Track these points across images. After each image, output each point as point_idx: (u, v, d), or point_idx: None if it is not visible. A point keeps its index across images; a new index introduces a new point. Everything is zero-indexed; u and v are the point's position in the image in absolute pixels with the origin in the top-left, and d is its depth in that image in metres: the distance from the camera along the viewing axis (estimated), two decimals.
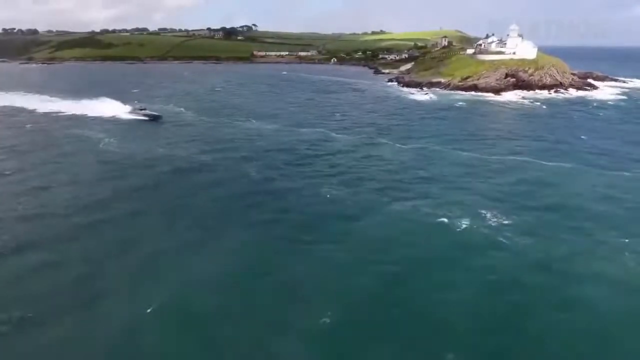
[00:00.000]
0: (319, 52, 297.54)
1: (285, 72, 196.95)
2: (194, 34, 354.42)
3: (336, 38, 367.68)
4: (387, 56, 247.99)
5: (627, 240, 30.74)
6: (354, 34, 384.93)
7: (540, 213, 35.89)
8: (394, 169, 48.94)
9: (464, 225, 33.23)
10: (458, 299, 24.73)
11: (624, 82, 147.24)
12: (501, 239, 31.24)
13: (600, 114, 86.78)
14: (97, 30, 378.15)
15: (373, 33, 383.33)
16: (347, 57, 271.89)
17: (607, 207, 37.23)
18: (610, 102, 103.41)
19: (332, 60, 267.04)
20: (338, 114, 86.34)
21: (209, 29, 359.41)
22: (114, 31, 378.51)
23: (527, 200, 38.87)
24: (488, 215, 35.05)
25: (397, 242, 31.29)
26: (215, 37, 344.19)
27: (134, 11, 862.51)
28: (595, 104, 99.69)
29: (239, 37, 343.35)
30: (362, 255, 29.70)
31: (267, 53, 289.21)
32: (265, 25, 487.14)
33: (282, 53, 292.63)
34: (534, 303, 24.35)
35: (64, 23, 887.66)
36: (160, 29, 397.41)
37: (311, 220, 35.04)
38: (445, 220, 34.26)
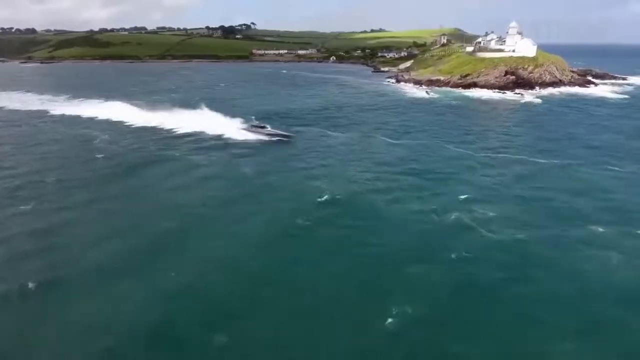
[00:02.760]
0: (318, 50, 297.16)
1: (284, 71, 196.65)
2: (192, 33, 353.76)
3: (335, 36, 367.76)
4: (386, 54, 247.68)
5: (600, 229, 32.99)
6: (353, 32, 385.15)
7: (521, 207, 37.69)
8: (390, 161, 50.84)
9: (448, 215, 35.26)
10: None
11: (623, 79, 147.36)
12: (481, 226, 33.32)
13: (597, 111, 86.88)
14: (96, 29, 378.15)
15: (372, 31, 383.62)
16: (346, 55, 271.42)
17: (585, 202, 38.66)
18: (608, 100, 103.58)
19: (332, 58, 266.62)
20: (337, 111, 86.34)
21: (207, 27, 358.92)
22: (112, 30, 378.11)
23: (510, 193, 40.69)
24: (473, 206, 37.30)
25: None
26: (214, 35, 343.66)
27: (132, 10, 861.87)
28: (593, 102, 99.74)
29: (237, 36, 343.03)
30: None
31: (266, 52, 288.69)
32: (264, 23, 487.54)
33: (280, 51, 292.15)
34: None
35: (62, 22, 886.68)
36: (158, 28, 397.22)
37: None
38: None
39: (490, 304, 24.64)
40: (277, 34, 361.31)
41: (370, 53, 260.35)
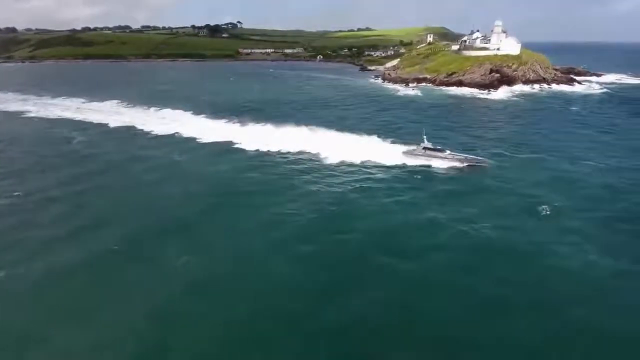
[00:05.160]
0: (305, 49, 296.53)
1: (272, 70, 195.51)
2: (178, 32, 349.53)
3: (322, 35, 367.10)
4: (372, 53, 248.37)
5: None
6: (340, 31, 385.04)
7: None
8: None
9: None
10: None
11: (603, 76, 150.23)
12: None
13: (578, 108, 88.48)
14: (78, 28, 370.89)
15: (359, 30, 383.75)
16: (333, 54, 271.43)
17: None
18: (588, 97, 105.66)
19: (318, 57, 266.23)
20: (328, 111, 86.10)
21: (193, 26, 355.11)
22: (95, 29, 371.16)
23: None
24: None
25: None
26: (200, 34, 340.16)
27: (116, 9, 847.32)
28: (575, 99, 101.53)
29: (223, 35, 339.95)
30: None
31: (253, 50, 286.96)
32: (250, 22, 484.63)
33: (267, 50, 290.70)
34: None
35: (44, 21, 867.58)
36: (143, 27, 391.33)
37: None
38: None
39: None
40: (264, 33, 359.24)
41: (357, 52, 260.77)
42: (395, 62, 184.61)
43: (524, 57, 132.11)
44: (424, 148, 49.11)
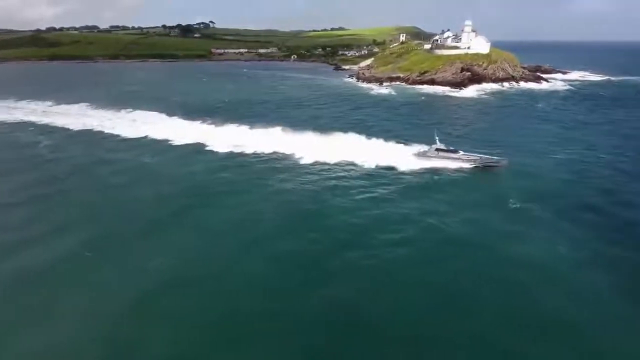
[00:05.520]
0: (279, 49, 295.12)
1: (245, 70, 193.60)
2: (148, 32, 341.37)
3: (296, 35, 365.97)
4: (346, 52, 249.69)
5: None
6: (313, 30, 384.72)
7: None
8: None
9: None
10: None
11: (568, 73, 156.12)
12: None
13: (544, 104, 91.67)
14: (43, 28, 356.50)
15: (332, 30, 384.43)
16: (307, 53, 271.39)
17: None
18: (554, 93, 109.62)
19: (293, 57, 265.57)
20: (302, 110, 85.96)
21: (164, 26, 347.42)
22: (61, 29, 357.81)
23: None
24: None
25: None
26: (171, 34, 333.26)
27: (82, 9, 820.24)
28: (541, 96, 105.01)
29: (196, 35, 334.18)
30: None
31: (226, 50, 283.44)
32: (223, 22, 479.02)
33: (241, 50, 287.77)
34: None
35: (5, 21, 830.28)
36: (111, 27, 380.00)
37: None
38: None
39: None
40: (237, 33, 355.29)
41: (331, 51, 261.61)
42: (369, 61, 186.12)
43: (494, 56, 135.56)
44: (437, 149, 47.78)
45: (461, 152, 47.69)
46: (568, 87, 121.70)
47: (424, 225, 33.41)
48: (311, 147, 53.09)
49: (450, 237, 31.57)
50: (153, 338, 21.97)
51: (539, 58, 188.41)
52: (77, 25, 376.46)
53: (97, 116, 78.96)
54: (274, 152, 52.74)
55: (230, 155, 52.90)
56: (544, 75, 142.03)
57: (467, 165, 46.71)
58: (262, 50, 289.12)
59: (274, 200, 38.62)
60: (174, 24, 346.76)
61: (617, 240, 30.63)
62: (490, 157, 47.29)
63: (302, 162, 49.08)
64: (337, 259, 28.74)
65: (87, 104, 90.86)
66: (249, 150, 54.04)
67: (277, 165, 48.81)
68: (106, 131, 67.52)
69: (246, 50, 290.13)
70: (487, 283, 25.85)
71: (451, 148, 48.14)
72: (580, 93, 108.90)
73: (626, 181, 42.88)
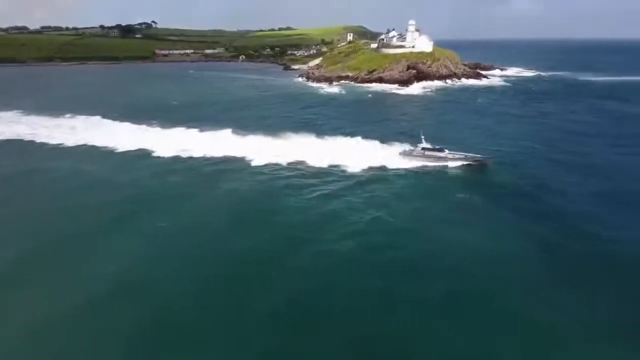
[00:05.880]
0: (226, 49, 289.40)
1: (192, 71, 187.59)
2: (84, 33, 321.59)
3: (243, 35, 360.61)
4: (295, 52, 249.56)
5: None
6: (261, 30, 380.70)
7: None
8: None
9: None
10: None
11: (505, 70, 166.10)
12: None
13: (483, 99, 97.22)
14: None
15: (280, 30, 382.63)
16: (256, 54, 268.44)
17: None
18: (493, 89, 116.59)
19: (241, 57, 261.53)
20: (251, 111, 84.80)
21: (102, 26, 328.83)
22: None
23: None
24: None
25: None
26: (110, 35, 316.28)
27: (10, 8, 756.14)
28: (480, 91, 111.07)
29: (137, 35, 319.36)
30: None
31: (171, 51, 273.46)
32: (166, 22, 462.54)
33: (187, 51, 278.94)
34: None
35: None
36: (43, 27, 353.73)
37: None
38: None
39: None
40: (181, 33, 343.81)
41: (280, 51, 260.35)
42: (318, 60, 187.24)
43: (437, 54, 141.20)
44: (423, 148, 47.37)
45: (447, 151, 47.40)
46: (505, 82, 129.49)
47: (368, 219, 34.30)
48: (263, 149, 52.46)
49: (391, 226, 32.60)
50: (87, 345, 21.20)
51: (478, 56, 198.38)
52: (4, 26, 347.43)
53: (32, 123, 72.89)
54: (225, 156, 51.38)
55: (178, 160, 51.07)
56: (484, 72, 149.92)
57: (453, 164, 46.58)
58: (208, 51, 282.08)
59: (224, 203, 37.91)
60: (113, 24, 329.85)
61: (552, 227, 32.84)
62: (475, 155, 47.24)
63: (254, 164, 48.30)
64: (291, 256, 28.80)
65: (20, 111, 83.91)
66: (197, 153, 52.40)
67: (227, 168, 47.79)
68: (41, 140, 62.49)
69: (192, 51, 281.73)
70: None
71: (437, 147, 47.66)
72: (515, 88, 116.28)
73: (559, 171, 45.92)
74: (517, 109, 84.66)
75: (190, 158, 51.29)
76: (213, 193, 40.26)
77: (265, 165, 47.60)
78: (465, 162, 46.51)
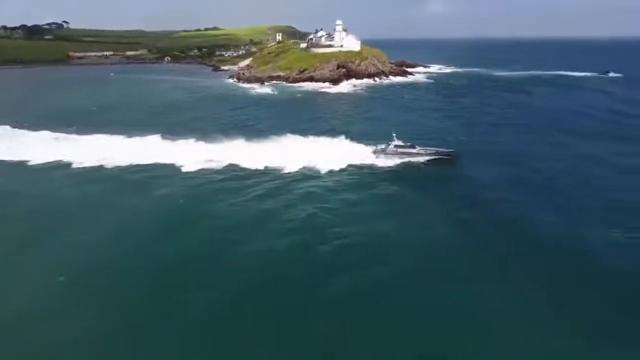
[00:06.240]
0: (150, 51, 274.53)
1: (112, 74, 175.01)
2: None
3: (167, 35, 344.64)
4: (224, 53, 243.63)
5: None
6: (186, 30, 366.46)
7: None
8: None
9: None
10: None
11: (429, 67, 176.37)
12: None
13: (408, 95, 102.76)
14: None
15: (206, 30, 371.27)
16: (182, 55, 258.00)
17: None
18: (418, 85, 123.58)
19: (166, 59, 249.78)
20: (182, 114, 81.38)
21: (4, 27, 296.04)
22: None
23: None
24: None
25: None
26: (15, 36, 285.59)
27: None
28: (406, 88, 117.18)
29: (47, 37, 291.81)
30: None
31: (87, 54, 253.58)
32: (80, 22, 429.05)
33: (106, 53, 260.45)
34: None
35: None
36: None
37: None
38: None
39: None
40: (98, 34, 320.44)
41: (208, 52, 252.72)
42: (248, 61, 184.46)
43: (365, 53, 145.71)
44: (395, 146, 48.11)
45: (418, 147, 48.47)
46: (428, 79, 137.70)
47: (302, 216, 34.76)
48: (194, 153, 50.65)
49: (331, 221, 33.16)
50: None
51: (403, 54, 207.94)
52: None
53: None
54: (154, 163, 48.49)
55: (102, 169, 47.56)
56: (409, 69, 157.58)
57: (424, 159, 47.88)
58: (130, 53, 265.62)
59: (153, 211, 36.29)
60: (17, 24, 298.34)
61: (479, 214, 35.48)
62: (442, 149, 49.05)
63: (185, 169, 46.28)
64: (221, 258, 28.55)
65: None
66: (123, 161, 49.00)
67: (157, 174, 45.33)
68: None
69: (112, 52, 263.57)
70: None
71: (408, 144, 48.70)
72: (437, 84, 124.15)
73: (481, 160, 49.48)
74: (438, 102, 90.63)
75: (116, 166, 47.95)
76: (141, 201, 38.25)
77: (198, 171, 45.92)
78: (436, 156, 48.08)
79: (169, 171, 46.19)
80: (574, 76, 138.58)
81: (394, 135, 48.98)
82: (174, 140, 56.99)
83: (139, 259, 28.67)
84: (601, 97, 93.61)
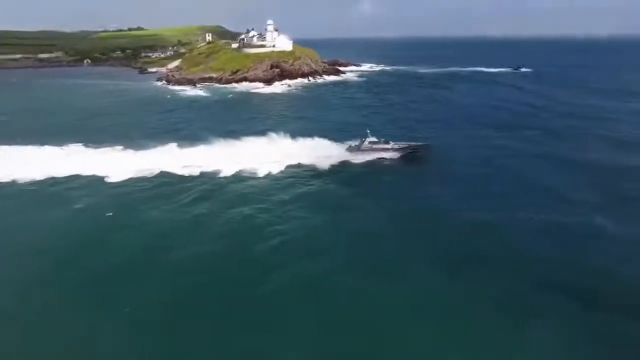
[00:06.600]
0: (67, 53, 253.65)
1: (15, 80, 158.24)
2: None
3: (85, 37, 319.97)
4: (151, 54, 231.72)
5: None
6: (106, 31, 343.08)
7: None
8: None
9: None
10: None
11: (360, 66, 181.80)
12: None
13: (341, 93, 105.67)
14: None
15: (130, 30, 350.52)
16: (104, 57, 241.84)
17: None
18: (351, 83, 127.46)
19: (86, 61, 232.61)
20: (107, 120, 76.36)
21: None
22: None
23: None
24: None
25: None
26: None
27: None
28: (338, 86, 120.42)
29: None
30: None
31: None
32: None
33: (14, 56, 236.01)
34: None
35: None
36: None
37: None
38: None
39: None
40: (4, 35, 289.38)
41: (133, 53, 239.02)
42: (177, 62, 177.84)
43: (297, 53, 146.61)
44: (370, 142, 48.73)
45: (392, 143, 49.50)
46: (359, 77, 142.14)
47: (234, 217, 34.67)
48: (121, 161, 47.97)
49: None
50: None
51: (335, 53, 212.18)
52: None
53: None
54: (76, 174, 45.00)
55: (14, 183, 43.34)
56: (342, 68, 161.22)
57: (398, 154, 49.10)
58: (43, 55, 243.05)
59: (74, 225, 33.98)
60: None
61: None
62: (417, 143, 50.85)
63: (110, 180, 43.60)
64: (155, 265, 27.96)
65: None
66: (39, 174, 44.78)
67: (79, 186, 42.31)
68: None
69: (21, 55, 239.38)
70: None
71: (382, 140, 49.49)
72: (368, 82, 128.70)
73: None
74: (369, 100, 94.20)
75: (31, 180, 43.92)
76: (61, 215, 35.67)
77: (126, 180, 43.51)
78: (410, 151, 49.48)
79: (93, 182, 43.36)
80: (489, 72, 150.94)
81: (368, 132, 49.65)
82: (98, 148, 53.63)
83: (61, 274, 27.03)
84: (513, 91, 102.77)
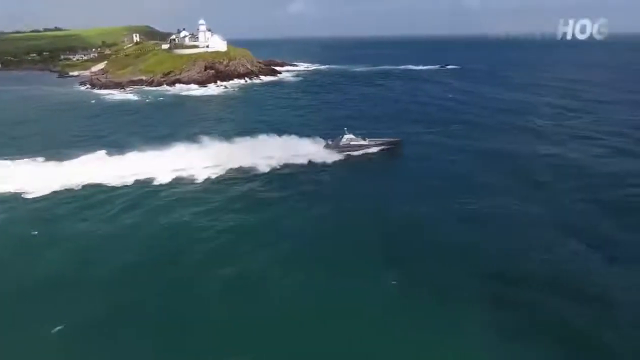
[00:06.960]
0: None
1: None
2: None
3: None
4: (71, 56, 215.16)
5: None
6: (18, 32, 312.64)
7: None
8: None
9: None
10: None
11: (297, 65, 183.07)
12: None
13: (276, 93, 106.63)
14: None
15: (46, 31, 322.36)
16: (16, 59, 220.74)
17: None
18: (288, 82, 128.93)
19: None
20: (23, 129, 70.06)
21: None
22: None
23: None
24: None
25: None
26: None
27: None
28: (274, 86, 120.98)
29: None
30: None
31: None
32: None
33: None
34: None
35: None
36: None
37: None
38: None
39: None
40: None
41: (51, 56, 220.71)
42: (102, 65, 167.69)
43: (232, 53, 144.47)
44: (347, 139, 49.90)
45: (368, 139, 51.00)
46: (296, 77, 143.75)
47: (169, 223, 34.09)
48: (43, 174, 44.59)
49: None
50: None
51: (270, 53, 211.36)
52: None
53: None
54: None
55: None
56: (278, 68, 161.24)
57: (376, 149, 50.86)
58: None
59: None
60: None
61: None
62: (391, 138, 52.80)
63: (30, 196, 40.04)
64: (79, 280, 26.85)
65: None
66: None
67: None
68: None
69: None
70: None
71: (359, 136, 50.78)
72: (304, 81, 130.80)
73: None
74: (305, 100, 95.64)
75: None
76: None
77: (48, 193, 40.36)
78: (386, 146, 51.36)
79: (11, 199, 39.84)
80: (418, 70, 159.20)
81: (345, 129, 50.75)
82: (15, 160, 49.36)
83: None
84: (440, 88, 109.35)
